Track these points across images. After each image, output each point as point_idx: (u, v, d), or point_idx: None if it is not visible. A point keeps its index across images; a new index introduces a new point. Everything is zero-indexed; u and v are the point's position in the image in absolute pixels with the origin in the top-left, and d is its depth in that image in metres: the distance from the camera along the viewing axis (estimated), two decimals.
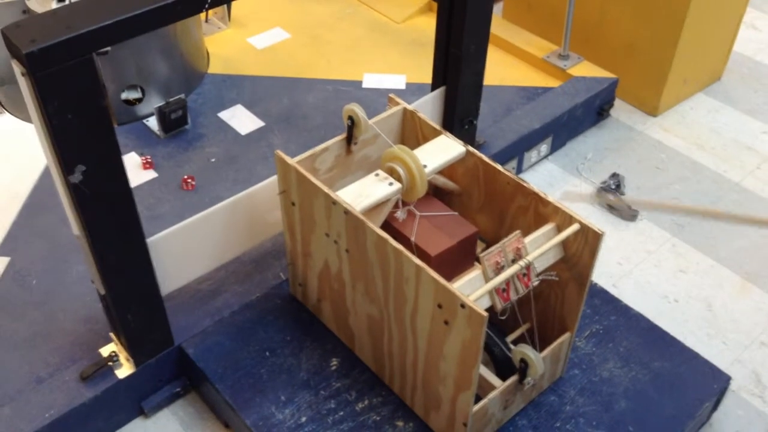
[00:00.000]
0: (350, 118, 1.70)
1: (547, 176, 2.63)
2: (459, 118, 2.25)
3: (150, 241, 1.65)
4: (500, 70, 2.85)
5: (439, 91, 2.21)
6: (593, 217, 2.46)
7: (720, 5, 2.73)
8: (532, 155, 2.62)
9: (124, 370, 1.79)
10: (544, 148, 2.65)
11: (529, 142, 2.56)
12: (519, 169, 2.61)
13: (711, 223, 2.45)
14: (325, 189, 1.56)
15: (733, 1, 2.80)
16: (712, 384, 1.80)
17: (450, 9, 2.04)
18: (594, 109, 2.78)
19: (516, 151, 2.54)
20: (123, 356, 1.81)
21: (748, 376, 2.01)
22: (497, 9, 2.97)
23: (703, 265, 2.32)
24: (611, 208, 2.49)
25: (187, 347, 1.84)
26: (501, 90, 2.76)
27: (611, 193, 2.51)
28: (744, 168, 2.66)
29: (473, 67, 2.16)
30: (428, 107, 2.21)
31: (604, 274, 2.26)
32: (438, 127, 1.74)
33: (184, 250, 1.78)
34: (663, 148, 2.75)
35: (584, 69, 2.82)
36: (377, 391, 1.75)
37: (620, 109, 2.90)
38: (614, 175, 2.57)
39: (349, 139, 1.74)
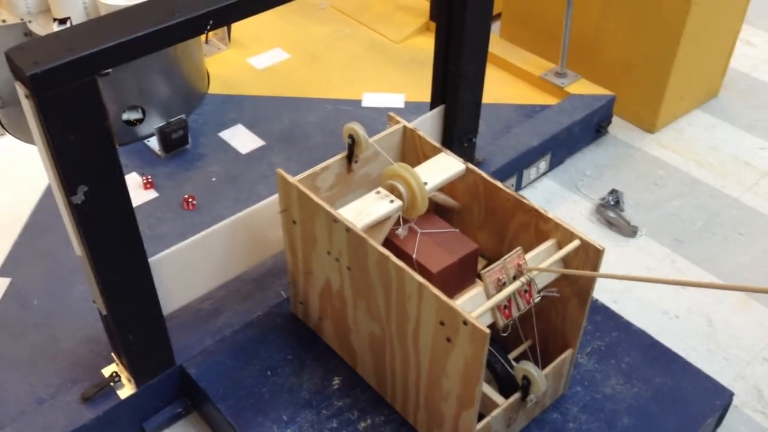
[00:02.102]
0: (350, 136, 1.71)
1: (546, 193, 2.64)
2: (458, 136, 2.26)
3: (152, 260, 1.66)
4: (498, 89, 2.87)
5: (439, 110, 2.23)
6: (593, 233, 2.47)
7: (716, 22, 2.75)
8: (531, 172, 2.63)
9: (126, 390, 1.79)
10: (542, 165, 2.66)
11: (528, 159, 2.57)
12: (518, 186, 2.62)
13: (711, 239, 2.45)
14: (327, 207, 1.57)
15: (729, 17, 2.83)
16: (715, 400, 1.80)
17: (449, 29, 2.06)
18: (592, 126, 2.79)
19: (515, 168, 2.55)
20: (124, 377, 1.80)
21: (750, 391, 2.01)
22: (495, 28, 3.00)
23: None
24: (611, 225, 2.49)
25: (189, 367, 1.83)
26: (499, 108, 2.78)
27: (610, 209, 2.51)
28: (742, 184, 2.67)
29: (472, 86, 2.18)
30: (427, 126, 2.22)
31: (605, 290, 2.26)
32: (438, 144, 1.75)
33: (185, 270, 1.78)
34: (661, 164, 2.76)
35: (582, 87, 2.84)
36: (379, 410, 1.75)
37: (618, 126, 2.91)
38: (613, 192, 2.58)
39: (350, 158, 1.75)
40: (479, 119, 2.29)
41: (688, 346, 2.12)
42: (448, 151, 1.72)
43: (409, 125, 1.81)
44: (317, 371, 1.83)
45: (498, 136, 2.63)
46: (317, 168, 1.71)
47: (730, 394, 1.82)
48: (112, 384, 1.79)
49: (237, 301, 2.01)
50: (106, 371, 1.82)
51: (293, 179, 1.65)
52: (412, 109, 2.74)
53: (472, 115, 2.26)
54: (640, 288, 2.29)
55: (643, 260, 2.38)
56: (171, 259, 1.73)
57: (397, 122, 1.82)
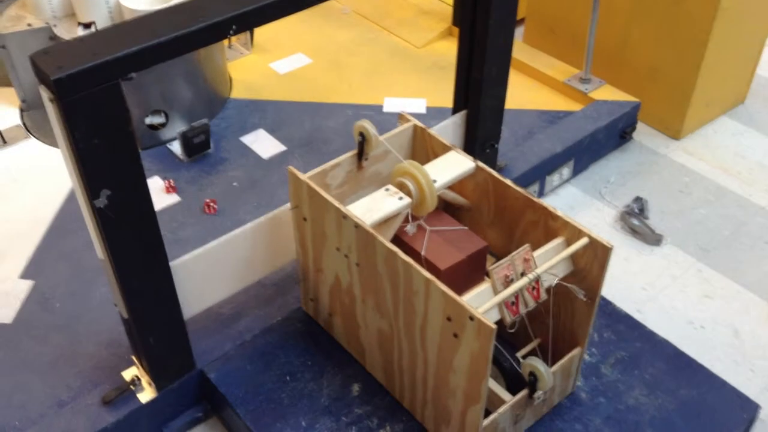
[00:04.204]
0: (361, 134, 1.72)
1: (570, 200, 2.62)
2: (480, 142, 2.25)
3: (173, 264, 1.66)
4: (521, 94, 2.85)
5: (461, 115, 2.21)
6: (616, 241, 2.44)
7: (743, 28, 2.72)
8: (554, 179, 2.61)
9: (146, 394, 1.79)
10: (566, 171, 2.63)
11: (550, 165, 2.55)
12: (541, 193, 2.60)
13: (737, 248, 2.41)
14: (336, 203, 1.58)
15: (756, 23, 2.79)
16: (741, 413, 1.76)
17: (472, 34, 2.05)
18: (616, 133, 2.76)
19: (538, 174, 2.52)
20: (145, 380, 1.81)
21: None
22: (518, 33, 2.98)
23: (730, 290, 2.28)
24: (635, 233, 2.46)
25: (209, 371, 1.83)
26: (522, 114, 2.76)
27: (635, 217, 2.48)
28: None
29: (494, 91, 2.16)
30: (449, 131, 2.21)
31: (629, 299, 2.23)
32: (448, 143, 1.75)
33: (206, 274, 1.79)
34: (687, 171, 2.72)
35: (606, 92, 2.81)
36: (398, 417, 1.73)
37: (643, 133, 2.88)
38: (637, 199, 2.55)
39: (360, 155, 1.75)
40: (502, 125, 2.27)
41: (713, 357, 2.08)
42: (458, 149, 1.73)
43: (419, 124, 1.81)
44: (336, 377, 1.82)
45: (521, 141, 2.61)
46: (327, 165, 1.72)
47: (757, 407, 1.78)
48: (132, 387, 1.79)
49: (257, 306, 2.01)
50: (127, 375, 1.82)
51: (304, 176, 1.66)
52: (434, 114, 2.73)
53: (495, 120, 2.24)
54: (665, 297, 2.26)
55: (667, 269, 2.35)
56: (192, 264, 1.74)
57: (408, 121, 1.82)
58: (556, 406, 1.75)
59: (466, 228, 1.70)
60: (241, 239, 1.83)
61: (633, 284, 2.30)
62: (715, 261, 2.37)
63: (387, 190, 1.65)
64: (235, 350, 1.88)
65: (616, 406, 1.76)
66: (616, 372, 1.83)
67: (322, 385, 1.80)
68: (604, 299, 1.99)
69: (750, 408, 1.77)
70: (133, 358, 1.84)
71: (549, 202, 2.56)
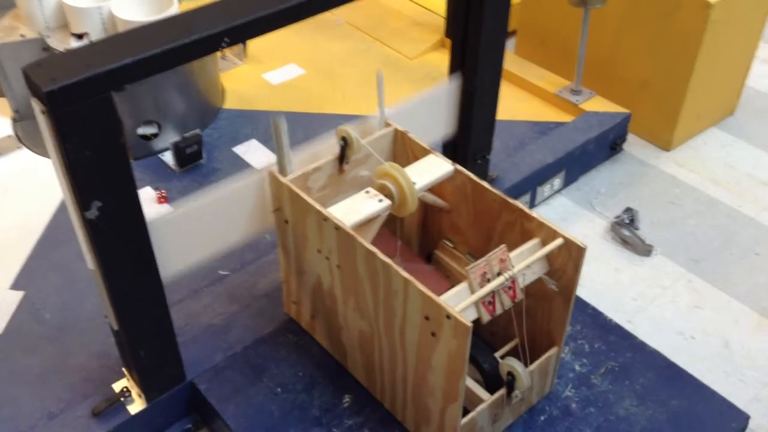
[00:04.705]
0: (343, 138, 1.74)
1: (561, 210, 2.63)
2: (472, 153, 2.26)
3: (150, 221, 1.58)
4: (513, 105, 2.87)
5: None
6: (607, 251, 2.45)
7: (733, 40, 2.74)
8: (545, 189, 2.62)
9: (136, 406, 1.79)
10: (557, 182, 2.65)
11: (542, 176, 2.56)
12: (532, 203, 2.61)
13: (727, 259, 2.43)
14: (317, 206, 1.60)
15: (746, 36, 2.81)
16: (731, 423, 1.77)
17: (463, 45, 2.06)
18: (607, 144, 2.78)
19: (529, 185, 2.54)
20: (135, 392, 1.80)
21: (767, 414, 1.98)
22: (509, 45, 2.99)
23: (720, 301, 2.29)
24: (625, 243, 2.47)
25: (199, 383, 1.83)
26: (514, 125, 2.78)
27: (625, 227, 2.49)
28: (759, 203, 2.65)
29: (486, 102, 2.17)
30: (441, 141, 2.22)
31: (619, 310, 2.24)
32: (427, 146, 1.78)
33: (186, 232, 1.70)
34: (677, 182, 2.74)
35: (597, 104, 2.83)
36: (390, 428, 1.73)
37: (633, 144, 2.90)
38: (628, 210, 2.56)
39: (342, 159, 1.77)
40: (493, 136, 2.29)
41: (703, 367, 2.09)
42: (437, 153, 1.76)
43: (400, 128, 1.83)
44: (328, 388, 1.82)
45: (512, 152, 2.62)
46: (309, 168, 1.73)
47: (747, 417, 1.79)
48: (122, 399, 1.78)
49: (248, 317, 2.01)
50: (117, 386, 1.82)
51: (285, 179, 1.68)
52: None
53: (486, 131, 2.25)
54: (655, 308, 2.27)
55: (658, 279, 2.36)
56: (171, 221, 1.67)
57: (389, 125, 1.84)
58: (547, 417, 1.76)
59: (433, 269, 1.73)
60: (224, 196, 1.75)
61: (623, 295, 2.31)
62: (705, 272, 2.39)
63: (367, 192, 1.67)
64: (225, 361, 1.88)
65: (606, 416, 1.76)
66: (607, 382, 1.84)
67: (313, 396, 1.80)
68: (594, 310, 2.00)
69: (740, 418, 1.78)
70: (124, 369, 1.83)
71: (540, 212, 2.57)
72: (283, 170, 1.70)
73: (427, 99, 2.08)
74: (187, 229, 1.73)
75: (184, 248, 1.75)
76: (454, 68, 2.14)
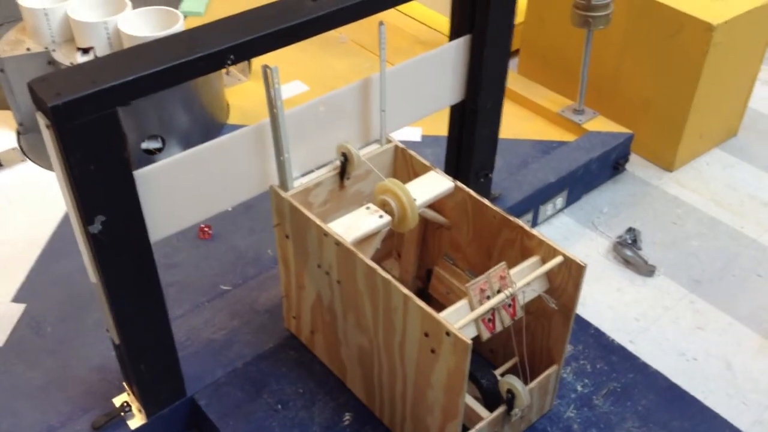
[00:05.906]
0: (343, 154, 1.74)
1: (563, 229, 2.63)
2: (474, 171, 2.26)
3: (137, 173, 1.47)
4: (516, 124, 2.88)
5: (455, 140, 2.23)
6: (609, 271, 2.45)
7: (735, 62, 2.75)
8: (547, 208, 2.62)
9: (136, 420, 1.78)
10: (559, 201, 2.65)
11: (544, 195, 2.56)
12: (534, 222, 2.61)
13: (729, 280, 2.42)
14: (318, 221, 1.60)
15: (748, 57, 2.83)
16: None
17: (468, 64, 2.07)
18: (609, 164, 2.78)
19: (531, 204, 2.54)
20: (135, 406, 1.80)
21: None
22: (513, 64, 3.01)
23: (722, 322, 2.28)
24: (627, 263, 2.47)
25: (200, 399, 1.82)
26: (517, 144, 2.78)
27: (627, 247, 2.49)
28: (761, 224, 2.65)
29: (489, 121, 2.18)
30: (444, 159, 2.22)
31: (621, 330, 2.23)
32: (427, 163, 1.78)
33: (176, 188, 1.60)
34: (679, 203, 2.74)
35: (599, 124, 2.84)
36: None
37: (636, 164, 2.90)
38: (630, 230, 2.56)
39: (342, 174, 1.77)
40: (496, 154, 2.29)
41: (706, 389, 2.08)
42: (438, 170, 1.76)
43: (400, 144, 1.84)
44: (328, 406, 1.81)
45: (515, 171, 2.62)
46: (310, 183, 1.74)
47: None
48: (122, 414, 1.78)
49: (249, 333, 2.00)
50: (117, 401, 1.81)
51: (286, 194, 1.68)
52: (429, 143, 2.75)
53: (489, 150, 2.26)
54: (657, 328, 2.26)
55: (660, 300, 2.35)
56: (160, 174, 1.54)
57: (389, 141, 1.85)
58: None
59: None
60: (217, 150, 1.66)
61: (626, 315, 2.30)
62: (708, 293, 2.38)
63: (368, 208, 1.68)
64: (226, 377, 1.87)
65: None
66: (609, 403, 1.83)
67: (314, 413, 1.80)
68: (596, 330, 1.99)
69: None
70: (124, 384, 1.83)
71: (543, 231, 2.57)
72: (284, 185, 1.71)
73: (432, 58, 2.00)
74: (178, 182, 1.59)
75: (175, 205, 1.61)
76: None
